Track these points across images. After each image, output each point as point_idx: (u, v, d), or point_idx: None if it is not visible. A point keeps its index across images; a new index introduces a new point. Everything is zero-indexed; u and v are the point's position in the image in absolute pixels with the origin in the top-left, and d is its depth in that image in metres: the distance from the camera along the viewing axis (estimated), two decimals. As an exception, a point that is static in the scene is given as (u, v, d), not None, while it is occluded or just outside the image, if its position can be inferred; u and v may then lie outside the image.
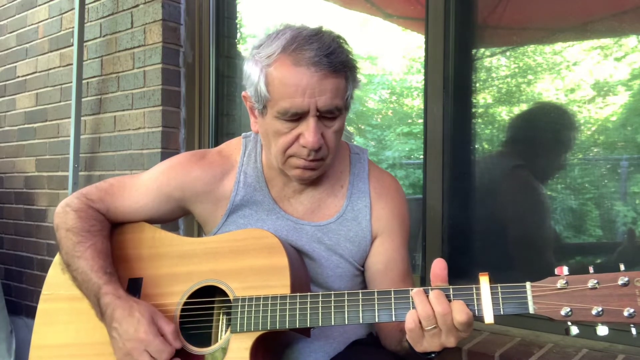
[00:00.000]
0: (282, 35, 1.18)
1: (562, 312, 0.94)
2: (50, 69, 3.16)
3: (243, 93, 1.29)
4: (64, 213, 1.33)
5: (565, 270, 0.96)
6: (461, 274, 1.92)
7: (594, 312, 0.93)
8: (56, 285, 1.36)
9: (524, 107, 1.91)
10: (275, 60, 1.16)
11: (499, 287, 0.99)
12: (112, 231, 1.38)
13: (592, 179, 1.74)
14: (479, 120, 1.98)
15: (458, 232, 1.94)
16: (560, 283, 0.96)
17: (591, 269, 0.96)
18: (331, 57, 1.14)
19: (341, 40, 1.21)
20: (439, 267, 1.04)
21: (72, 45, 2.84)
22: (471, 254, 1.97)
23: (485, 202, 1.97)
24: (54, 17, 3.14)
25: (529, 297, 0.97)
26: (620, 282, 0.93)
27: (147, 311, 1.18)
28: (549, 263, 1.82)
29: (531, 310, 0.96)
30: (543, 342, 1.63)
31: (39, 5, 3.24)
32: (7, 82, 3.48)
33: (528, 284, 0.98)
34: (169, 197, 1.37)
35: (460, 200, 1.94)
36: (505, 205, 1.95)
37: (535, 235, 1.87)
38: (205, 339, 1.22)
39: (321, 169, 1.26)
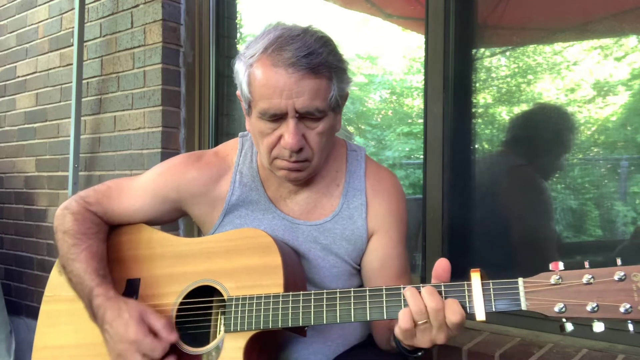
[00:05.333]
0: (267, 35, 1.18)
1: (556, 309, 0.92)
2: (50, 69, 3.16)
3: (237, 92, 1.29)
4: (62, 216, 1.34)
5: (560, 265, 0.94)
6: (461, 274, 1.91)
7: (588, 308, 0.90)
8: (57, 286, 1.36)
9: (524, 107, 1.91)
10: (256, 61, 1.16)
11: (490, 284, 0.97)
12: (111, 232, 1.38)
13: (592, 179, 1.74)
14: (479, 120, 1.98)
15: (458, 232, 1.94)
16: (554, 278, 0.93)
17: (587, 264, 0.93)
18: (309, 58, 1.13)
19: (325, 40, 1.19)
20: (441, 268, 1.03)
21: (72, 45, 2.84)
22: (471, 254, 1.97)
23: (486, 202, 1.97)
24: (54, 17, 3.14)
25: (522, 294, 0.95)
26: (616, 277, 0.90)
27: (135, 310, 1.18)
28: (550, 261, 1.82)
29: (524, 306, 0.95)
30: (543, 342, 1.63)
31: (39, 5, 3.24)
32: (7, 82, 3.48)
33: (520, 280, 0.96)
34: (165, 198, 1.37)
35: (460, 200, 1.94)
36: (506, 205, 1.95)
37: (536, 234, 1.87)
38: (202, 339, 1.22)
39: (308, 170, 1.25)
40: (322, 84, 1.16)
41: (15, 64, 3.42)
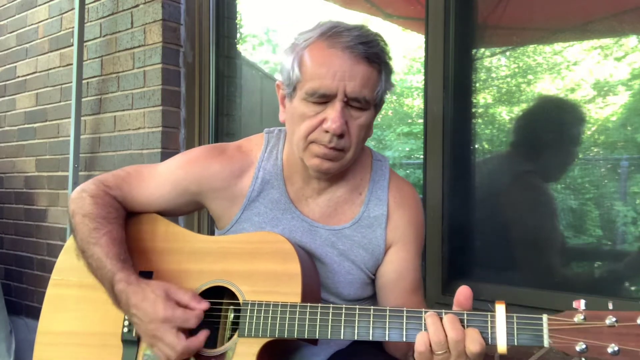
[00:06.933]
0: (322, 26, 1.21)
1: (577, 348, 0.92)
2: (50, 69, 3.16)
3: (277, 82, 1.29)
4: (80, 199, 1.31)
5: (582, 304, 0.94)
6: (461, 274, 1.92)
7: (609, 350, 0.90)
8: (67, 270, 1.34)
9: (524, 107, 1.91)
10: (311, 43, 1.19)
11: (514, 317, 0.96)
12: (125, 221, 1.35)
13: (592, 179, 1.74)
14: (479, 120, 1.98)
15: (458, 232, 1.94)
16: (578, 318, 0.93)
17: (610, 305, 0.93)
18: (367, 46, 1.16)
19: (380, 37, 1.22)
20: (463, 296, 1.01)
21: (72, 45, 2.84)
22: (471, 254, 1.97)
23: (485, 202, 1.97)
24: (54, 17, 3.14)
25: (545, 330, 0.94)
26: (639, 321, 0.90)
27: (160, 288, 1.16)
28: (550, 264, 1.82)
29: (546, 344, 0.94)
30: (543, 342, 1.63)
31: (39, 5, 3.24)
32: (7, 82, 3.48)
33: (545, 317, 0.95)
34: (185, 190, 1.35)
35: (460, 200, 1.94)
36: (506, 205, 1.95)
37: (535, 235, 1.87)
38: (213, 340, 1.21)
39: (341, 162, 1.23)
40: (374, 74, 1.18)
41: (15, 64, 3.42)
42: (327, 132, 1.17)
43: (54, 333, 1.32)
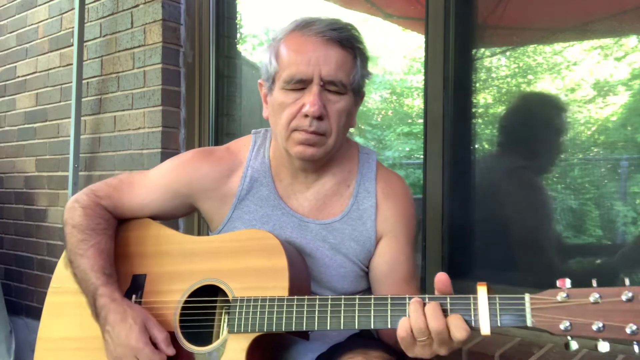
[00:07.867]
0: (295, 21, 1.26)
1: (561, 327, 0.92)
2: (50, 69, 3.16)
3: (259, 80, 1.33)
4: (73, 209, 1.34)
5: (567, 282, 0.93)
6: (461, 274, 1.92)
7: (594, 327, 0.90)
8: (64, 278, 1.37)
9: (523, 107, 1.91)
10: (285, 36, 1.24)
11: (497, 298, 0.96)
12: (118, 227, 1.39)
13: (592, 179, 1.74)
14: (479, 120, 1.98)
15: (458, 232, 1.94)
16: (561, 296, 0.92)
17: (594, 282, 0.92)
18: (338, 31, 1.21)
19: (352, 25, 1.26)
20: (442, 283, 1.01)
21: (72, 45, 2.84)
22: (471, 253, 1.97)
23: (485, 202, 1.97)
24: (54, 17, 3.14)
25: (527, 310, 0.94)
26: (624, 297, 0.89)
27: (139, 317, 1.19)
28: (550, 263, 1.82)
29: (529, 323, 0.94)
30: (543, 342, 1.63)
31: (39, 5, 3.24)
32: (7, 82, 3.48)
33: (527, 296, 0.95)
34: (176, 193, 1.38)
35: (460, 200, 1.94)
36: (506, 205, 1.95)
37: (535, 235, 1.87)
38: (205, 338, 1.22)
39: (324, 148, 1.25)
40: (348, 58, 1.22)
41: (15, 64, 3.42)
42: (306, 116, 1.20)
43: (53, 339, 1.35)
